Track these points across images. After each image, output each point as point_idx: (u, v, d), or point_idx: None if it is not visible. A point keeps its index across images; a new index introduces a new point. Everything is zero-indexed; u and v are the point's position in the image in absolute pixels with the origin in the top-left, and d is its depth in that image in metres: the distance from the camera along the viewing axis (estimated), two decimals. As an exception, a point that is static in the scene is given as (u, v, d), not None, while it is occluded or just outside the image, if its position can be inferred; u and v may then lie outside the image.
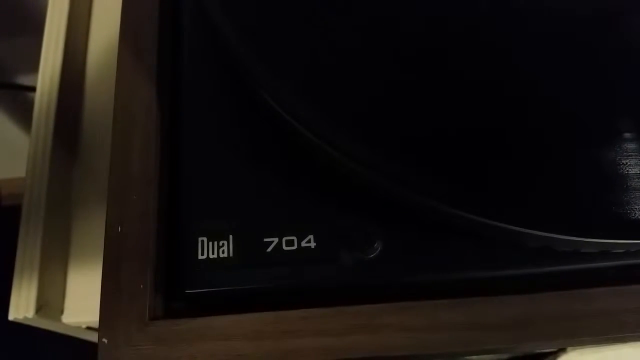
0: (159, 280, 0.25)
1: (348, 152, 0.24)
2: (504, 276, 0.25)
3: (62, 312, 0.40)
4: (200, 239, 0.24)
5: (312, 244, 0.24)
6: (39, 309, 0.38)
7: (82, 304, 0.40)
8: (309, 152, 0.25)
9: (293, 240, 0.24)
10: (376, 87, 0.25)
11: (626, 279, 0.25)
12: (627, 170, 0.24)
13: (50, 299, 0.39)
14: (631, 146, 0.25)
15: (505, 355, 0.31)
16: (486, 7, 0.26)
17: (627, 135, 0.25)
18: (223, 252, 0.24)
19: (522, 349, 0.25)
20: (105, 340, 0.23)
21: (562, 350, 0.27)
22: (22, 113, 0.74)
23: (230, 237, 0.24)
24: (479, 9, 0.26)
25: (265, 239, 0.24)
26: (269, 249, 0.24)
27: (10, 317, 0.37)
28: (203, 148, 0.26)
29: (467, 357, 0.28)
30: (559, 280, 0.25)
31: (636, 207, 0.23)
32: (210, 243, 0.24)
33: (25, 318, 0.37)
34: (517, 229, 0.23)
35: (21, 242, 0.38)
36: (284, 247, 0.24)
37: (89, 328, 0.41)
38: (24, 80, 0.69)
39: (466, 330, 0.24)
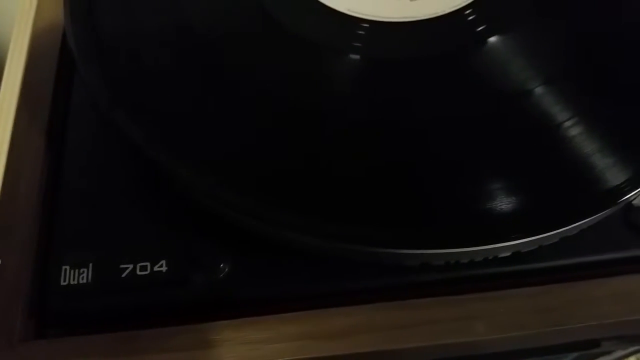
0: (31, 306, 0.27)
1: (197, 186, 0.27)
2: (341, 290, 0.27)
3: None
4: (63, 267, 0.27)
5: (164, 268, 0.27)
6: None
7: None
8: (163, 185, 0.28)
9: (146, 265, 0.27)
10: (228, 128, 0.28)
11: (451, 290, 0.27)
12: (450, 190, 0.26)
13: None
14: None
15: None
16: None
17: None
18: (83, 278, 0.27)
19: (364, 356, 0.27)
20: (-24, 362, 0.26)
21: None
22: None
23: (91, 265, 0.27)
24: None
25: (121, 266, 0.27)
26: (124, 275, 0.27)
27: None
28: (74, 190, 0.29)
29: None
30: (394, 292, 0.27)
31: (447, 219, 0.26)
32: (72, 271, 0.27)
33: None
34: (342, 245, 0.25)
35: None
36: (138, 272, 0.27)
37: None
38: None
39: (304, 340, 0.26)
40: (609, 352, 0.53)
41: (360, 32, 0.31)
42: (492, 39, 0.30)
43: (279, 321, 0.26)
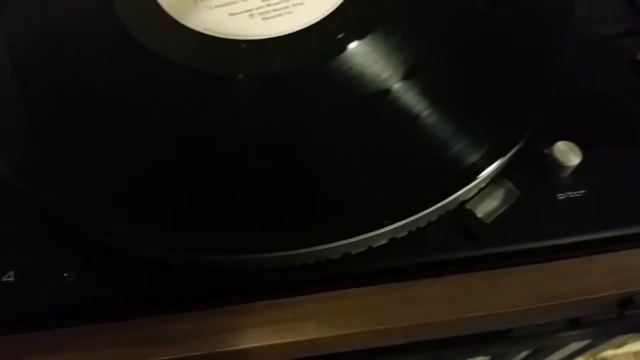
0: None
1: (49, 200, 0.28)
2: (181, 296, 0.28)
3: None
4: None
5: (12, 279, 0.28)
6: None
7: None
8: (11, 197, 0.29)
9: (-5, 276, 0.28)
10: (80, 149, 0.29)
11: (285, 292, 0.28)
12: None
13: None
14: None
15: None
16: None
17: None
18: (-64, 291, 0.28)
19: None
20: None
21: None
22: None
23: (-55, 276, 0.28)
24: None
25: (-27, 276, 0.28)
26: (-26, 285, 0.28)
27: None
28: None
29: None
30: (232, 297, 0.28)
31: (278, 223, 0.27)
32: None
33: None
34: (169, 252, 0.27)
35: None
36: (-13, 283, 0.28)
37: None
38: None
39: (146, 346, 0.27)
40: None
41: (222, 51, 0.32)
42: (352, 45, 0.31)
43: (120, 327, 0.28)
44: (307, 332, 0.27)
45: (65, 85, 0.31)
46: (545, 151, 0.30)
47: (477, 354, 0.48)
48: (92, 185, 0.28)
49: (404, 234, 0.28)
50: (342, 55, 0.31)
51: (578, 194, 0.29)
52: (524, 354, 0.55)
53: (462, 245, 0.28)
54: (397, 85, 0.30)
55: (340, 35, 0.32)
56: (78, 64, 0.32)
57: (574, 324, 0.37)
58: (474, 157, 0.28)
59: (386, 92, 0.30)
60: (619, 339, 0.66)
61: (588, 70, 0.33)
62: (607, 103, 0.32)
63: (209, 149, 0.28)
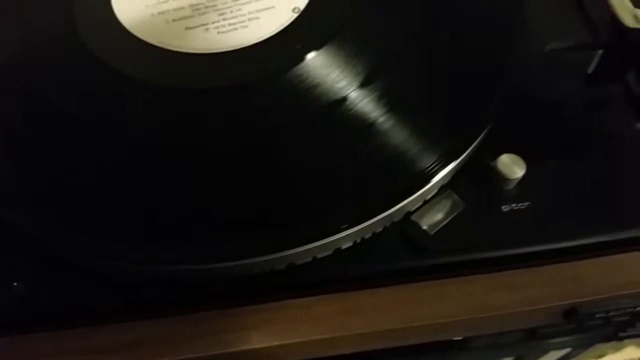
0: None
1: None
2: (129, 306, 0.29)
3: None
4: None
5: (-38, 288, 0.28)
6: None
7: None
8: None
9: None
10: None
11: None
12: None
13: None
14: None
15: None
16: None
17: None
18: None
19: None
20: None
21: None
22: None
23: None
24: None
25: None
26: None
27: None
28: None
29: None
30: (179, 307, 0.29)
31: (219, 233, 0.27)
32: None
33: None
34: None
35: None
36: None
37: None
38: None
39: (88, 354, 0.28)
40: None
41: (178, 64, 0.33)
42: (310, 56, 0.31)
43: (62, 337, 0.28)
44: (250, 341, 0.27)
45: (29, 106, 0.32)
46: (491, 164, 0.30)
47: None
48: (58, 204, 0.29)
49: (349, 244, 0.28)
50: (299, 66, 0.32)
51: (522, 205, 0.30)
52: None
53: (406, 256, 0.29)
54: (352, 94, 0.30)
55: (297, 47, 0.32)
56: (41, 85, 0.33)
57: (530, 334, 0.37)
58: (419, 167, 0.28)
59: (337, 103, 0.30)
60: (599, 348, 0.66)
61: (538, 83, 0.34)
62: (555, 116, 0.33)
63: (155, 162, 0.29)
